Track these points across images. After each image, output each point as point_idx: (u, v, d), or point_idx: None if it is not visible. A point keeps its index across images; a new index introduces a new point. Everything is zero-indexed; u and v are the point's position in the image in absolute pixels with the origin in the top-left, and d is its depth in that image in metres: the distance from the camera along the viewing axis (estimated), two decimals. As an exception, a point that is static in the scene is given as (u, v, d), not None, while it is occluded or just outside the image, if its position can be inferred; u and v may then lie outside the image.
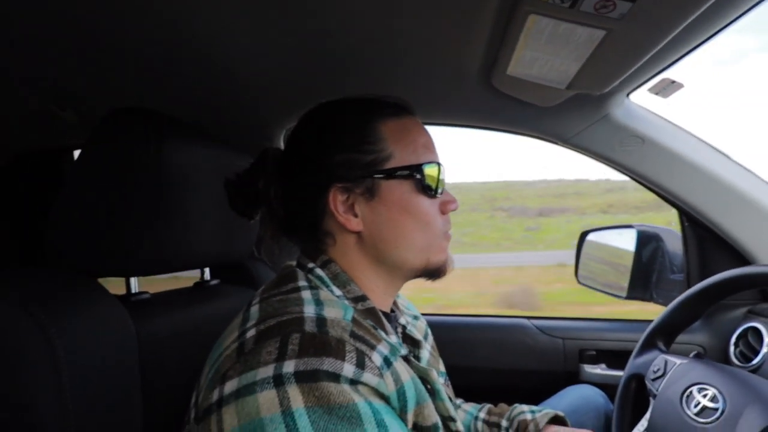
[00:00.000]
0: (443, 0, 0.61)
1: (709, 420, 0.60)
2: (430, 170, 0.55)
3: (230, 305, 0.79)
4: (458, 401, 0.82)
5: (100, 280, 0.62)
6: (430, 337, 0.74)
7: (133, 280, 0.69)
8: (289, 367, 0.39)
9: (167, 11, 0.64)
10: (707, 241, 1.01)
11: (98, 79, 0.89)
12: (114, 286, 0.65)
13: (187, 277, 0.86)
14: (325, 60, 0.81)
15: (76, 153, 1.38)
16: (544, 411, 0.73)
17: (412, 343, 0.63)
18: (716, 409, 0.60)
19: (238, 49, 0.77)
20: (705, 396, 0.63)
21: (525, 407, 0.75)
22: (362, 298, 0.53)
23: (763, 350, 0.86)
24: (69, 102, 0.99)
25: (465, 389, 0.91)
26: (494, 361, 1.17)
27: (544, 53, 0.66)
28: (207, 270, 0.87)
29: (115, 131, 0.61)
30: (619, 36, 0.57)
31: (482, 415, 0.77)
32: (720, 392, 0.62)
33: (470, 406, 0.81)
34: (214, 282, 0.86)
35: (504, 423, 0.74)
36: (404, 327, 0.64)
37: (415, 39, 0.73)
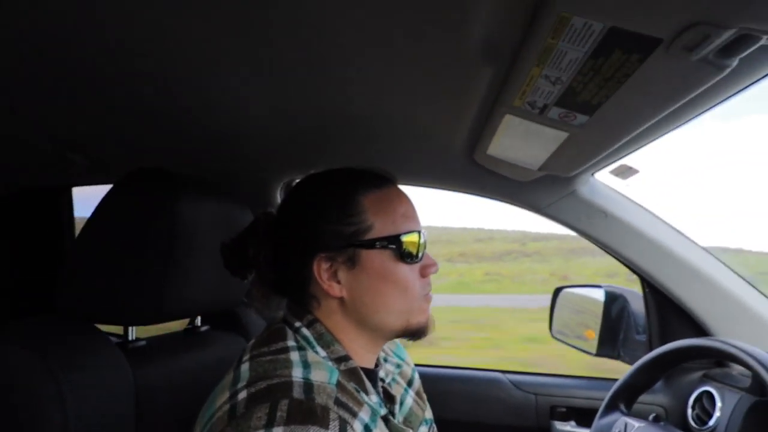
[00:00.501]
0: (435, 90, 0.70)
1: None
2: (408, 239, 0.58)
3: (221, 353, 0.82)
4: None
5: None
6: (417, 383, 0.75)
7: (131, 329, 0.73)
8: None
9: (179, 79, 0.70)
10: (666, 307, 1.10)
11: (112, 132, 0.95)
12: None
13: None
14: (324, 127, 0.88)
15: (76, 191, 1.43)
16: None
17: (389, 399, 0.65)
18: None
19: (244, 115, 0.83)
20: None
21: None
22: (345, 358, 0.56)
23: (716, 414, 0.93)
24: (80, 148, 1.05)
25: None
26: (469, 415, 1.20)
27: (519, 142, 0.77)
28: (198, 317, 0.90)
29: (136, 189, 0.67)
30: (580, 137, 0.67)
31: None
32: None
33: None
34: (204, 328, 0.90)
35: None
36: (383, 381, 0.66)
37: (409, 118, 0.82)
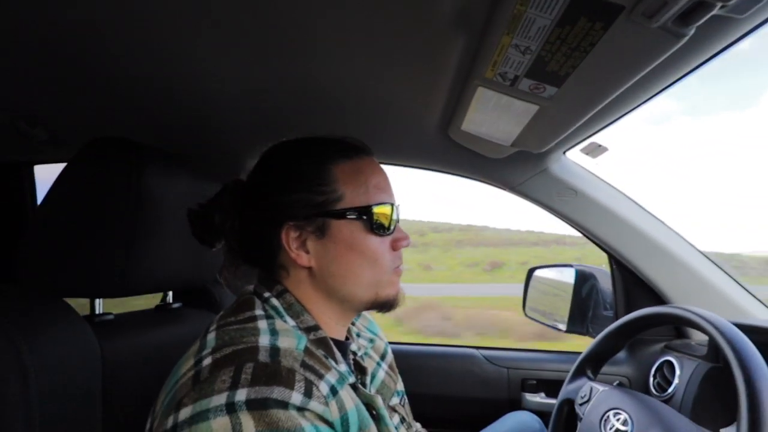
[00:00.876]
0: (406, 62, 0.69)
1: None
2: (380, 210, 0.58)
3: (192, 329, 0.81)
4: (417, 425, 0.84)
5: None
6: (390, 357, 0.76)
7: (98, 302, 0.71)
8: (241, 395, 0.42)
9: (147, 45, 0.67)
10: (631, 282, 1.15)
11: (72, 104, 0.91)
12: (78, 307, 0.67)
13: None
14: (297, 100, 0.87)
15: (38, 168, 1.37)
16: None
17: (360, 370, 0.65)
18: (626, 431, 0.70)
19: (216, 85, 0.81)
20: (618, 420, 0.72)
21: None
22: (314, 328, 0.56)
23: (675, 381, 0.98)
24: (40, 120, 1.00)
25: (414, 416, 0.97)
26: (443, 389, 1.23)
27: (491, 117, 0.78)
28: (170, 293, 0.89)
29: (98, 159, 0.65)
30: (550, 111, 0.69)
31: None
32: (630, 417, 0.71)
33: None
34: (177, 305, 0.89)
35: None
36: (354, 354, 0.66)
37: (382, 92, 0.82)
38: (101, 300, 0.71)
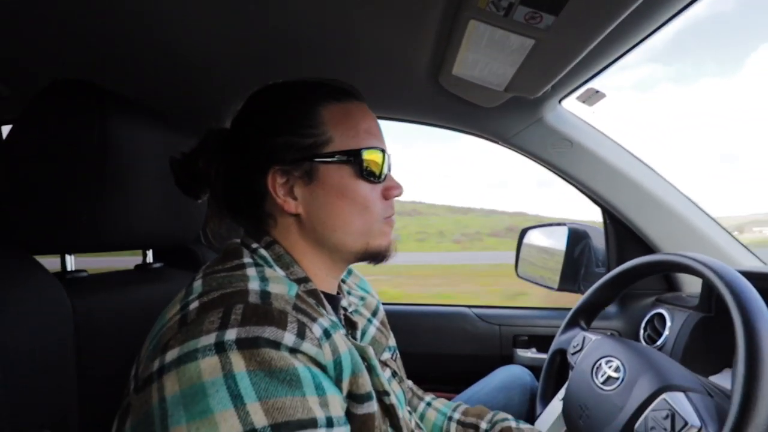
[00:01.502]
0: (393, 3, 0.65)
1: (611, 387, 0.69)
2: (370, 155, 0.55)
3: (172, 288, 0.78)
4: (429, 397, 0.83)
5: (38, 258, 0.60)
6: (381, 313, 0.74)
7: (70, 258, 0.67)
8: (231, 334, 0.40)
9: None
10: (624, 236, 1.14)
11: (34, 50, 0.84)
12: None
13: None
14: (277, 43, 0.81)
15: (5, 129, 1.29)
16: (529, 426, 0.75)
17: (351, 325, 0.64)
18: (618, 378, 0.69)
19: (188, 27, 0.75)
20: (610, 367, 0.72)
21: (509, 416, 0.76)
22: (305, 280, 0.54)
23: (665, 333, 0.99)
24: (1, 74, 0.93)
25: (408, 375, 0.96)
26: (436, 347, 1.24)
27: (484, 56, 0.72)
28: (150, 252, 0.85)
29: (57, 103, 0.59)
30: (547, 44, 0.64)
31: (457, 415, 0.78)
32: (622, 363, 0.71)
33: (442, 404, 0.81)
34: (158, 265, 0.85)
35: (484, 425, 0.75)
36: (345, 310, 0.65)
37: (367, 35, 0.76)
38: (73, 258, 0.67)
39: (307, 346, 0.43)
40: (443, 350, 1.24)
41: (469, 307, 1.29)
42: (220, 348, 0.39)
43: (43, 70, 0.91)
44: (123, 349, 0.62)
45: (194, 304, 0.44)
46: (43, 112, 0.60)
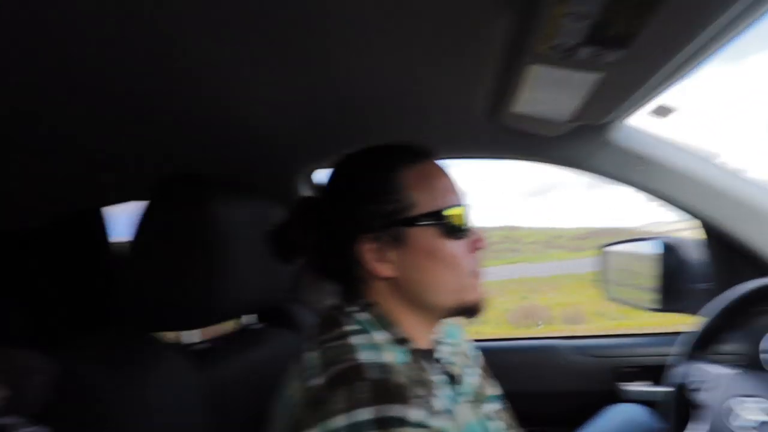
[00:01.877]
0: (451, 52, 0.67)
1: None
2: (452, 213, 0.57)
3: (277, 349, 0.83)
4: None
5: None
6: (479, 359, 0.74)
7: (186, 332, 0.75)
8: (363, 415, 0.42)
9: (193, 78, 0.68)
10: (730, 250, 1.03)
11: (136, 145, 0.94)
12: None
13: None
14: (343, 109, 0.86)
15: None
16: None
17: (452, 379, 0.64)
18: None
19: (259, 105, 0.82)
20: (754, 407, 0.64)
21: None
22: (405, 341, 0.55)
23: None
24: (107, 165, 1.06)
25: None
26: (529, 386, 1.18)
27: (546, 93, 0.72)
28: (251, 316, 0.92)
29: (169, 199, 0.69)
30: (614, 76, 0.63)
31: None
32: None
33: None
34: (259, 326, 0.92)
35: None
36: (438, 361, 0.64)
37: (426, 86, 0.79)
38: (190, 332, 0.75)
39: (433, 420, 0.44)
40: (537, 389, 1.18)
41: (559, 339, 1.22)
42: (355, 429, 0.41)
43: (141, 160, 1.03)
44: (242, 409, 0.67)
45: (316, 381, 0.47)
46: (158, 207, 0.69)
